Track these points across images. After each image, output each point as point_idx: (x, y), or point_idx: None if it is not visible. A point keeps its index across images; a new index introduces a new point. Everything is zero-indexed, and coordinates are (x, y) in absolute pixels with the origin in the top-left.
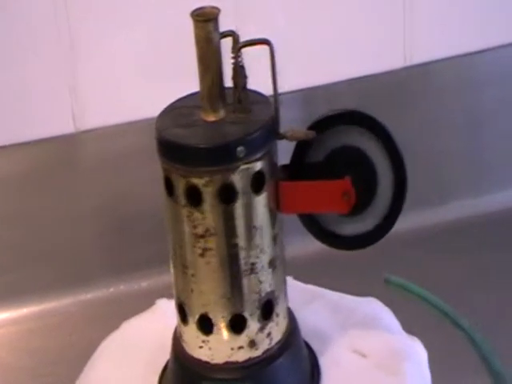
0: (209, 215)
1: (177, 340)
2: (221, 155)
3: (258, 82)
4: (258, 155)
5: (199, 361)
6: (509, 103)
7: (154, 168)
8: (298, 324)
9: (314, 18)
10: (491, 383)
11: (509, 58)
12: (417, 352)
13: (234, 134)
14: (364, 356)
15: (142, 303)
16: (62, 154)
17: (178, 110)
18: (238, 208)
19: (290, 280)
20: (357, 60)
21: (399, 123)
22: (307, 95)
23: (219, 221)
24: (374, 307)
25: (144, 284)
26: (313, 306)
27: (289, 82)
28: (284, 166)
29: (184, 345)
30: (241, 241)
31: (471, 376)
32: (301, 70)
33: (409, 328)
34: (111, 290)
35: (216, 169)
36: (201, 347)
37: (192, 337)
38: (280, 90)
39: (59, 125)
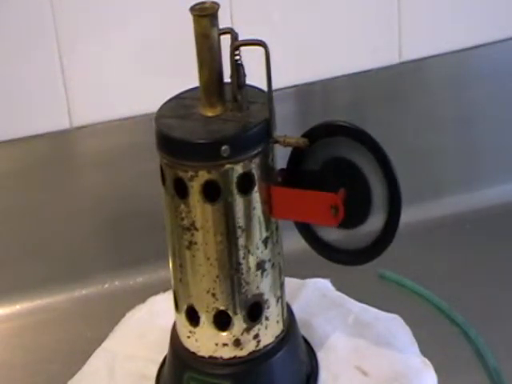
0: (194, 210)
1: (174, 324)
2: (205, 152)
3: (260, 79)
4: (246, 156)
5: (187, 350)
6: (501, 99)
7: (149, 164)
8: (298, 329)
9: (309, 14)
10: (486, 378)
11: (500, 54)
12: (423, 377)
13: (221, 132)
14: (365, 374)
15: (137, 299)
16: (58, 150)
17: (182, 101)
18: (223, 207)
19: (315, 283)
20: (351, 56)
21: (393, 119)
22: (302, 91)
23: (204, 217)
24: (392, 325)
25: (139, 280)
26: (330, 313)
27: (284, 78)
28: (281, 171)
29: (178, 331)
30: (225, 240)
31: (466, 371)
32: (296, 66)
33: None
34: (106, 286)
35: (200, 165)
36: (188, 337)
37: (181, 325)
38: (275, 86)
39: (54, 121)
